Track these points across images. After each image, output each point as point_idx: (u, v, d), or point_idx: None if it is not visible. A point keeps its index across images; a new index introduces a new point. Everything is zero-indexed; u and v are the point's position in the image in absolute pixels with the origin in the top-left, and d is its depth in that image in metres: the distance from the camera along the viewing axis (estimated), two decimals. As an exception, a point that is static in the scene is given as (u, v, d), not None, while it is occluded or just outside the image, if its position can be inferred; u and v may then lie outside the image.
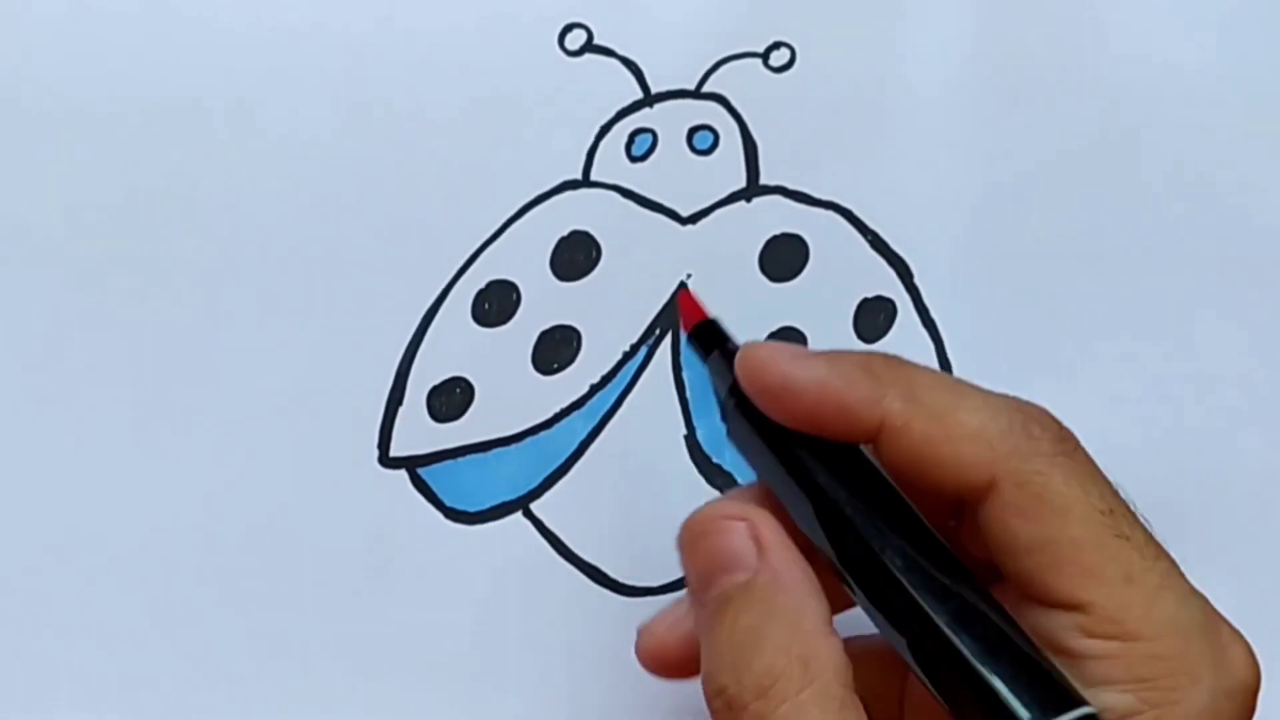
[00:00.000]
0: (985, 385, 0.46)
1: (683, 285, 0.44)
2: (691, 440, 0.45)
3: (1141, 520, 0.35)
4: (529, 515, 0.44)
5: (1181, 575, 0.35)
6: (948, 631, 0.33)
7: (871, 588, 0.34)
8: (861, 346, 0.45)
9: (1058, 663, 0.34)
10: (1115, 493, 0.36)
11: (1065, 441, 0.36)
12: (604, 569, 0.44)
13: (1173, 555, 0.36)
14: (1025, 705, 0.32)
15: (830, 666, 0.33)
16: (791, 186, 0.44)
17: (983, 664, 0.33)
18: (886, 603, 0.34)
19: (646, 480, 0.44)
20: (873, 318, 0.45)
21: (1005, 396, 0.36)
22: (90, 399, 0.40)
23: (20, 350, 0.40)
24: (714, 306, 0.44)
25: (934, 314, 0.46)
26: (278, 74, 0.40)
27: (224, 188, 0.40)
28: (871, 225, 0.45)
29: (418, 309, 0.42)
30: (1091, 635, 0.35)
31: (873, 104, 0.44)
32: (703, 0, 0.43)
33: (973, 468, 0.35)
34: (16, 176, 0.39)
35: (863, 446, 0.36)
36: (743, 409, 0.35)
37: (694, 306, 0.39)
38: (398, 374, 0.42)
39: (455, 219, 0.42)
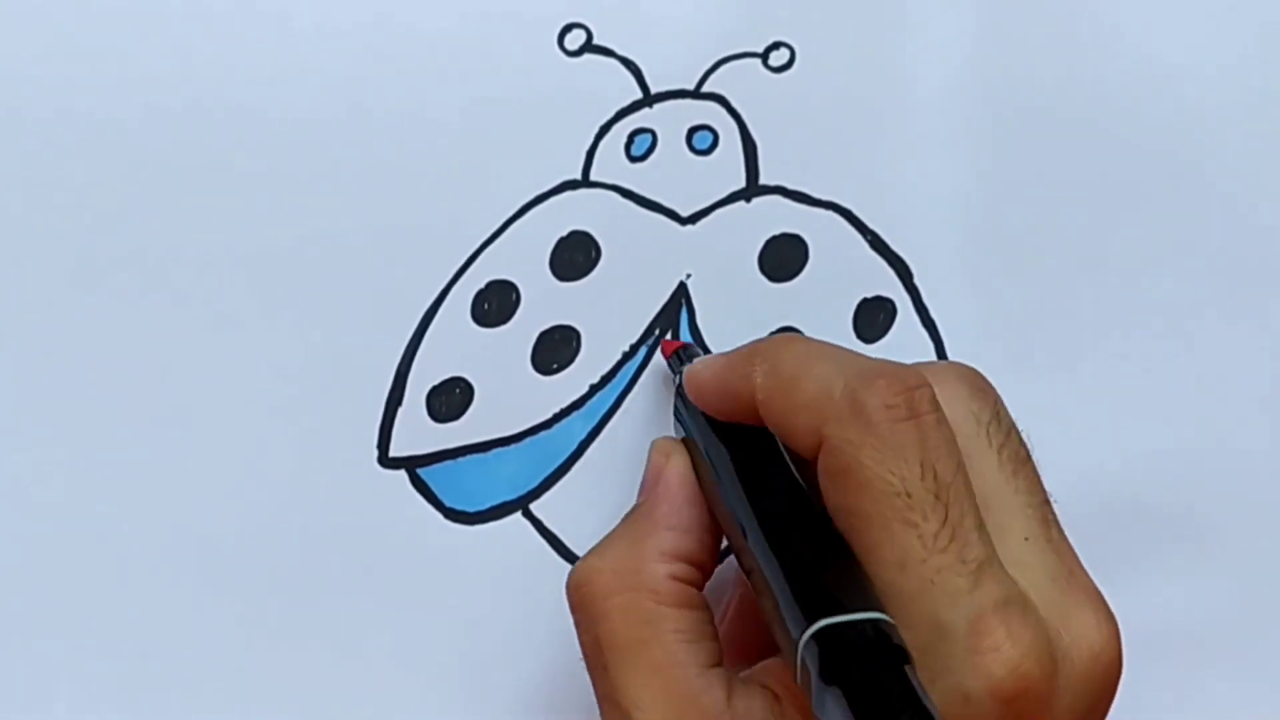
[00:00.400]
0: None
1: (683, 286, 0.44)
2: (691, 440, 0.45)
3: (947, 507, 0.35)
4: (529, 515, 0.44)
5: (970, 571, 0.34)
6: (764, 552, 0.36)
7: (730, 522, 0.38)
8: (861, 346, 0.45)
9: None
10: (931, 474, 0.35)
11: (894, 409, 0.36)
12: (604, 569, 0.44)
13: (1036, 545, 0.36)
14: (800, 610, 0.34)
15: (647, 584, 0.37)
16: (791, 186, 0.44)
17: (775, 579, 0.35)
18: (737, 533, 0.38)
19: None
20: (872, 318, 0.45)
21: (864, 366, 0.37)
22: (89, 399, 0.40)
23: (19, 350, 0.40)
24: (714, 306, 0.44)
25: (934, 314, 0.46)
26: (277, 74, 0.40)
27: (223, 187, 0.40)
28: (871, 225, 0.45)
29: (417, 309, 0.42)
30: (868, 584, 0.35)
31: (872, 104, 0.44)
32: (702, 0, 0.43)
33: (805, 434, 0.36)
34: (16, 176, 0.39)
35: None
36: (686, 404, 0.41)
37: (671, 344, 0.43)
38: (397, 374, 0.42)
39: (455, 219, 0.42)
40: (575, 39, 0.42)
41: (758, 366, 0.38)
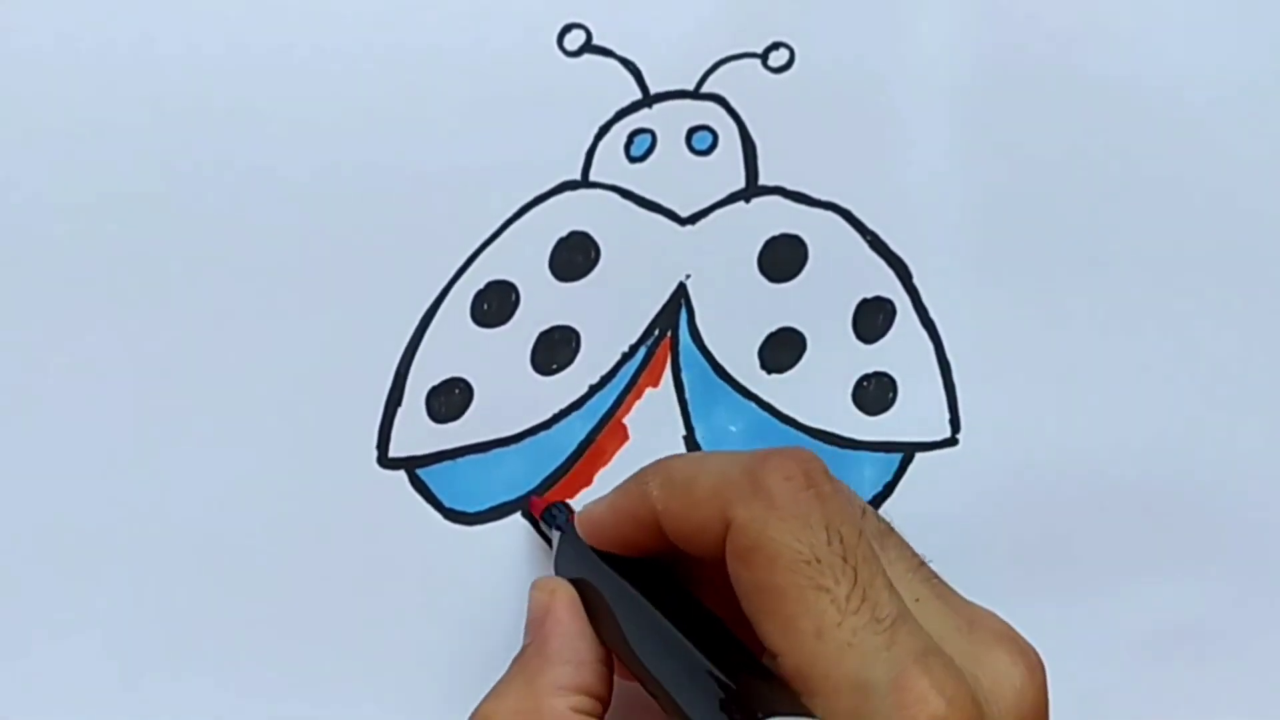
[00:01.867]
0: (985, 385, 0.46)
1: (682, 287, 0.44)
2: (690, 440, 0.45)
3: (855, 569, 0.35)
4: (528, 515, 0.44)
5: (885, 628, 0.35)
6: (671, 674, 0.37)
7: (631, 656, 0.39)
8: (861, 347, 0.45)
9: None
10: (837, 538, 0.35)
11: (792, 481, 0.36)
12: (603, 569, 0.44)
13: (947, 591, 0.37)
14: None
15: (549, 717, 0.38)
16: (790, 187, 0.44)
17: (687, 698, 0.36)
18: (638, 664, 0.38)
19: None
20: (872, 318, 0.45)
21: (756, 452, 0.38)
22: (89, 399, 0.40)
23: (18, 350, 0.40)
24: (713, 307, 0.44)
25: (933, 314, 0.46)
26: (276, 74, 0.40)
27: (222, 187, 0.40)
28: (870, 225, 0.45)
29: (416, 309, 0.42)
30: (785, 686, 0.35)
31: (872, 104, 0.44)
32: (702, 1, 0.43)
33: (709, 525, 0.37)
34: (16, 177, 0.39)
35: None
36: (575, 548, 0.42)
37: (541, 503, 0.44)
38: (396, 374, 0.42)
39: (454, 219, 0.42)
40: (575, 39, 0.42)
41: (650, 482, 0.39)
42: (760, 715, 0.34)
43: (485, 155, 0.42)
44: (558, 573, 0.42)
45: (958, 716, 0.34)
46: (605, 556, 0.41)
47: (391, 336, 0.42)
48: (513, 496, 0.43)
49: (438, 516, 0.43)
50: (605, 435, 0.44)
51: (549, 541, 0.43)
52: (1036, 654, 0.37)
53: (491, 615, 0.43)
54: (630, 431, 0.44)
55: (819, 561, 0.35)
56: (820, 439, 0.45)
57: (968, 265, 0.46)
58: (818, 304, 0.45)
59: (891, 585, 0.36)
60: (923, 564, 0.38)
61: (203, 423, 0.41)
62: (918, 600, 0.37)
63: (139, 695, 0.41)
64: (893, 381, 0.46)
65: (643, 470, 0.40)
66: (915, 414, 0.46)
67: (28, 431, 0.40)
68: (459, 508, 0.43)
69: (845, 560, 0.35)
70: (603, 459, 0.44)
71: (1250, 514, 0.48)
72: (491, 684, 0.40)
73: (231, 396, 0.41)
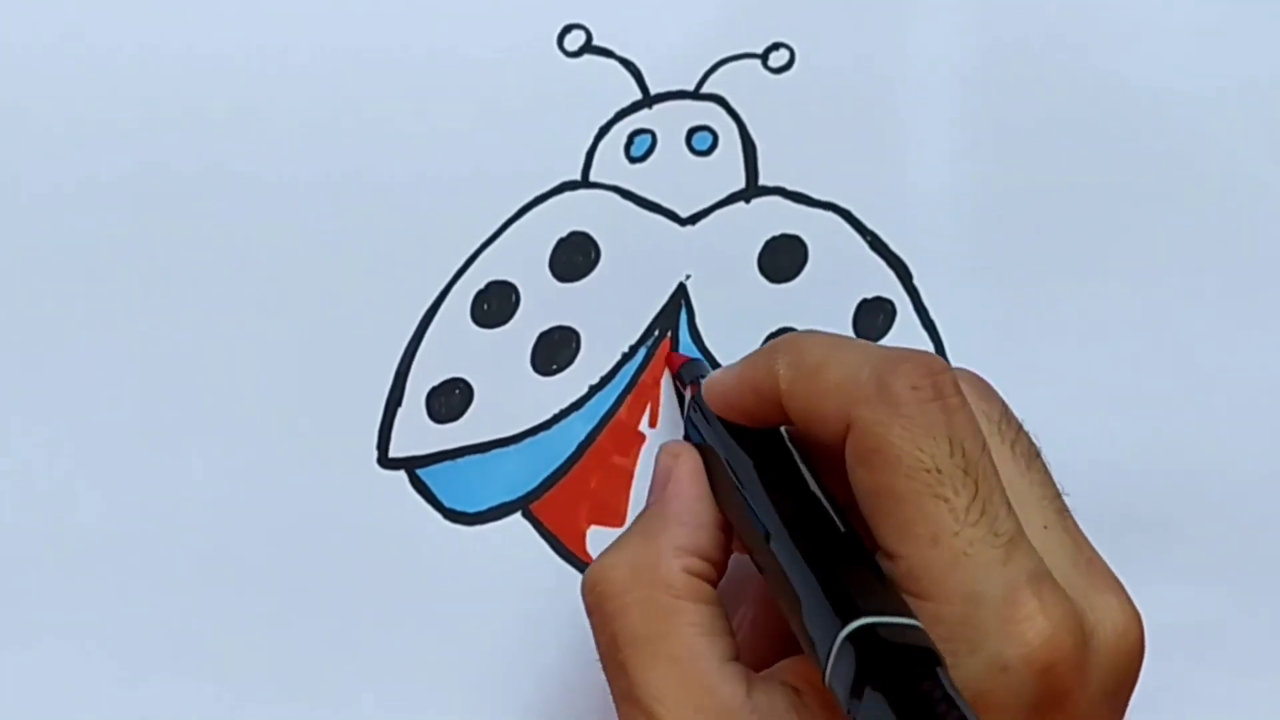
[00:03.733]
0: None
1: (682, 287, 0.44)
2: (690, 441, 0.45)
3: (976, 483, 0.35)
4: (528, 516, 0.44)
5: (1002, 544, 0.35)
6: (790, 554, 0.37)
7: (748, 525, 0.38)
8: (861, 347, 0.45)
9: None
10: (960, 451, 0.36)
11: (920, 391, 0.36)
12: (603, 569, 0.44)
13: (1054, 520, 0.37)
14: (834, 610, 0.34)
15: (663, 579, 0.38)
16: (790, 187, 0.44)
17: (803, 580, 0.36)
18: (755, 536, 0.38)
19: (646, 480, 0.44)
20: (872, 318, 0.45)
21: (888, 353, 0.38)
22: (90, 400, 0.40)
23: (18, 351, 0.40)
24: (713, 307, 0.44)
25: (933, 314, 0.46)
26: (276, 75, 0.40)
27: (222, 188, 0.40)
28: (870, 226, 0.45)
29: (416, 310, 0.42)
30: (898, 587, 0.35)
31: (872, 105, 0.44)
32: (702, 1, 0.43)
33: (832, 419, 0.37)
34: (16, 177, 0.39)
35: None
36: (702, 413, 0.41)
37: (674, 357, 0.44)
38: (397, 375, 0.42)
39: (454, 219, 0.42)
40: (575, 39, 0.42)
41: (780, 360, 0.39)
42: (863, 611, 0.34)
43: (485, 155, 0.42)
44: (685, 436, 0.42)
45: (1063, 639, 0.35)
46: (730, 427, 0.40)
47: (392, 337, 0.42)
48: (513, 497, 0.43)
49: (438, 516, 0.43)
50: (606, 435, 0.44)
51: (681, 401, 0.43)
52: (1139, 612, 0.37)
53: (492, 615, 0.43)
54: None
55: (939, 471, 0.35)
56: (820, 439, 0.45)
57: (968, 265, 0.46)
58: (818, 304, 0.45)
59: (1009, 505, 0.36)
60: (1059, 495, 0.38)
61: (203, 423, 0.41)
62: (1045, 527, 0.37)
63: (139, 695, 0.41)
64: (893, 382, 0.46)
65: (773, 343, 0.40)
66: (915, 414, 0.46)
67: (28, 432, 0.40)
68: (459, 508, 0.43)
69: (966, 473, 0.35)
70: (603, 459, 0.44)
71: (1250, 514, 0.48)
72: (491, 684, 0.40)
73: (232, 397, 0.41)
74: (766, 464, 0.39)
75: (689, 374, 0.43)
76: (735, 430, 0.40)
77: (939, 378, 0.36)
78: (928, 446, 0.36)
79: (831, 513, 0.38)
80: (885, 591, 0.35)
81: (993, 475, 0.36)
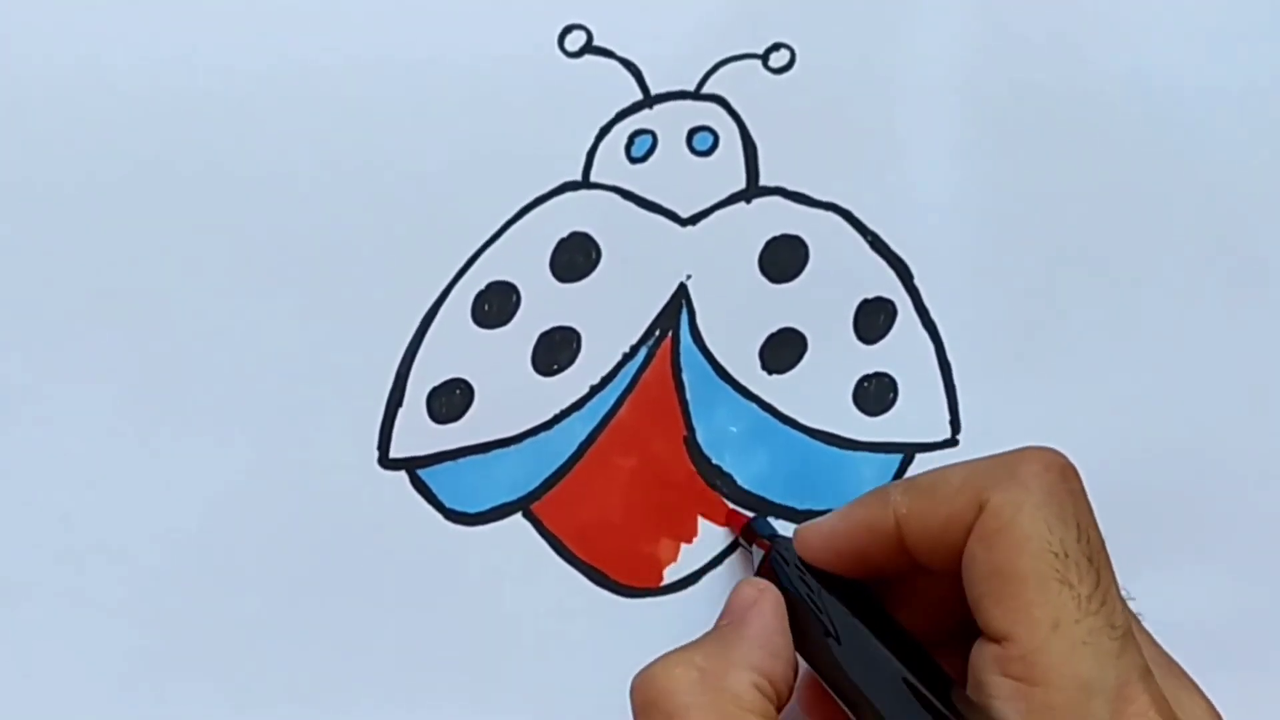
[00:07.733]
0: (985, 385, 0.46)
1: (683, 287, 0.44)
2: (691, 441, 0.45)
3: (1099, 572, 0.36)
4: (529, 516, 0.44)
5: (1118, 637, 0.36)
6: (903, 702, 0.37)
7: (832, 668, 0.39)
8: (862, 347, 0.45)
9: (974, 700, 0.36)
10: (1085, 538, 0.36)
11: (1050, 472, 0.37)
12: (604, 569, 0.44)
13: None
14: None
15: (731, 689, 0.37)
16: (791, 187, 0.44)
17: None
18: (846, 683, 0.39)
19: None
20: (873, 318, 0.45)
21: (1009, 451, 0.38)
22: (90, 400, 0.40)
23: (19, 350, 0.40)
24: (714, 307, 0.44)
25: (934, 315, 0.46)
26: (276, 75, 0.40)
27: (222, 187, 0.40)
28: (871, 226, 0.45)
29: (417, 310, 0.42)
30: (1004, 672, 0.36)
31: (872, 105, 0.44)
32: (702, 1, 0.43)
33: (960, 515, 0.37)
34: (17, 177, 0.39)
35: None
36: (786, 562, 0.42)
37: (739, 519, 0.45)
38: (397, 375, 0.42)
39: (455, 220, 0.42)
40: (575, 40, 0.42)
41: (892, 492, 0.39)
42: None
43: (486, 156, 0.42)
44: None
45: None
46: (818, 574, 0.41)
47: (392, 337, 0.42)
48: (513, 497, 0.43)
49: (438, 517, 0.43)
50: (606, 436, 0.44)
51: (750, 554, 0.44)
52: (1219, 713, 0.39)
53: (492, 615, 0.43)
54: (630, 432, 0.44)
55: (1066, 556, 0.36)
56: (820, 439, 0.45)
57: (968, 265, 0.46)
58: (818, 304, 0.45)
59: (1124, 600, 0.36)
60: (1127, 596, 0.39)
61: (204, 423, 0.41)
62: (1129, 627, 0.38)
63: (139, 696, 0.41)
64: (893, 382, 0.46)
65: (882, 487, 0.41)
66: (915, 414, 0.46)
67: (29, 432, 0.40)
68: (460, 508, 0.43)
69: (1090, 561, 0.36)
70: (604, 460, 0.44)
71: (1250, 514, 0.48)
72: (491, 683, 0.40)
73: (233, 397, 0.41)
74: (858, 610, 0.39)
75: (759, 530, 0.43)
76: (831, 583, 0.41)
77: (1064, 461, 0.37)
78: (1057, 529, 0.36)
79: (920, 648, 0.38)
80: None
81: (1109, 566, 0.36)
